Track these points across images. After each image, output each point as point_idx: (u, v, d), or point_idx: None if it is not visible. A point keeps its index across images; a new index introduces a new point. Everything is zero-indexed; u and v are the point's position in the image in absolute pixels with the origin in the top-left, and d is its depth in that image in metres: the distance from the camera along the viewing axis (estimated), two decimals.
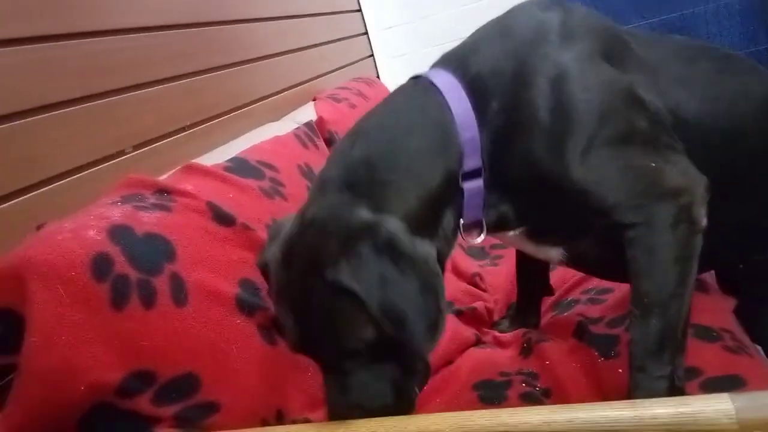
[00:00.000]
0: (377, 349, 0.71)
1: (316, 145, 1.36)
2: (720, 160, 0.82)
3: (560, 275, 1.21)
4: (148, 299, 0.72)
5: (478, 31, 0.87)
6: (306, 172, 1.21)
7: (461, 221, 0.79)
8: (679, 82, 0.84)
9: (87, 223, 0.74)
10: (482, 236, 0.83)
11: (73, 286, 0.66)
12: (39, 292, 0.65)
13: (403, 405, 0.73)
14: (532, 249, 0.90)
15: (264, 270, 0.83)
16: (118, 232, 0.74)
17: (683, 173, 0.76)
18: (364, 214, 0.70)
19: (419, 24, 2.51)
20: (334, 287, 0.67)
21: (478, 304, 1.20)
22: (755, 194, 0.88)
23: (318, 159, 1.27)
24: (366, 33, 2.52)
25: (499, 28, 0.84)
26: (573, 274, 1.18)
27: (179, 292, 0.76)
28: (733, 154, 0.85)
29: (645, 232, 0.73)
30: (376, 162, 0.75)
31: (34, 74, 0.90)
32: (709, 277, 1.09)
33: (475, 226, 0.82)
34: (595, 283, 1.16)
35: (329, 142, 1.46)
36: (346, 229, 0.69)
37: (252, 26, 1.62)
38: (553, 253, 0.87)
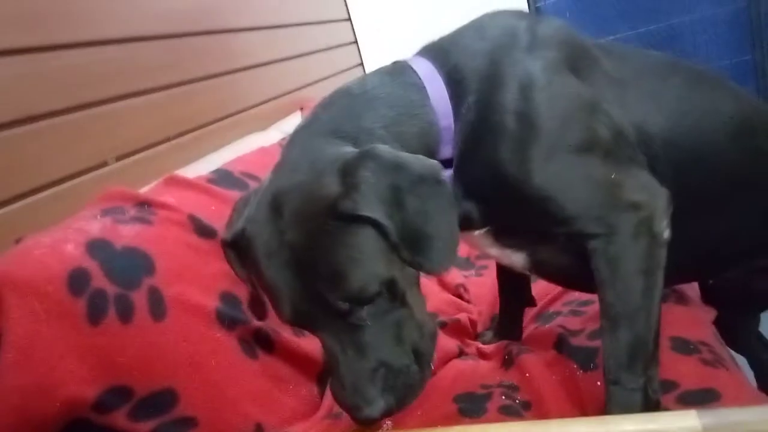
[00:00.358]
0: (388, 295, 0.66)
1: None
2: (687, 176, 0.83)
3: (543, 287, 1.21)
4: (126, 314, 0.72)
5: (457, 29, 0.88)
6: None
7: None
8: (648, 97, 0.85)
9: (65, 237, 0.74)
10: None
11: (50, 302, 0.66)
12: (15, 308, 0.65)
13: (424, 366, 0.68)
14: (496, 252, 0.89)
15: (233, 245, 0.73)
16: (96, 247, 0.74)
17: (643, 187, 0.77)
18: (352, 148, 0.68)
19: (409, 33, 2.51)
20: (349, 220, 0.62)
21: (462, 316, 1.20)
22: (722, 210, 0.89)
23: None
24: (355, 42, 2.53)
25: (475, 30, 0.85)
26: (555, 286, 1.19)
27: (157, 306, 0.76)
28: (701, 170, 0.86)
29: (606, 244, 0.74)
30: (359, 113, 0.74)
31: (15, 86, 0.90)
32: (689, 288, 1.10)
33: None
34: (577, 295, 1.17)
35: None
36: (342, 162, 0.65)
37: (239, 35, 1.63)
38: (516, 259, 0.87)
